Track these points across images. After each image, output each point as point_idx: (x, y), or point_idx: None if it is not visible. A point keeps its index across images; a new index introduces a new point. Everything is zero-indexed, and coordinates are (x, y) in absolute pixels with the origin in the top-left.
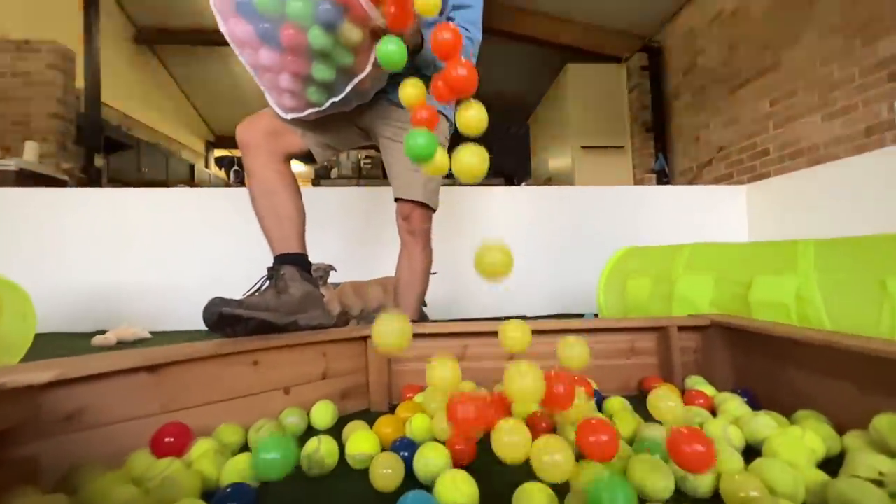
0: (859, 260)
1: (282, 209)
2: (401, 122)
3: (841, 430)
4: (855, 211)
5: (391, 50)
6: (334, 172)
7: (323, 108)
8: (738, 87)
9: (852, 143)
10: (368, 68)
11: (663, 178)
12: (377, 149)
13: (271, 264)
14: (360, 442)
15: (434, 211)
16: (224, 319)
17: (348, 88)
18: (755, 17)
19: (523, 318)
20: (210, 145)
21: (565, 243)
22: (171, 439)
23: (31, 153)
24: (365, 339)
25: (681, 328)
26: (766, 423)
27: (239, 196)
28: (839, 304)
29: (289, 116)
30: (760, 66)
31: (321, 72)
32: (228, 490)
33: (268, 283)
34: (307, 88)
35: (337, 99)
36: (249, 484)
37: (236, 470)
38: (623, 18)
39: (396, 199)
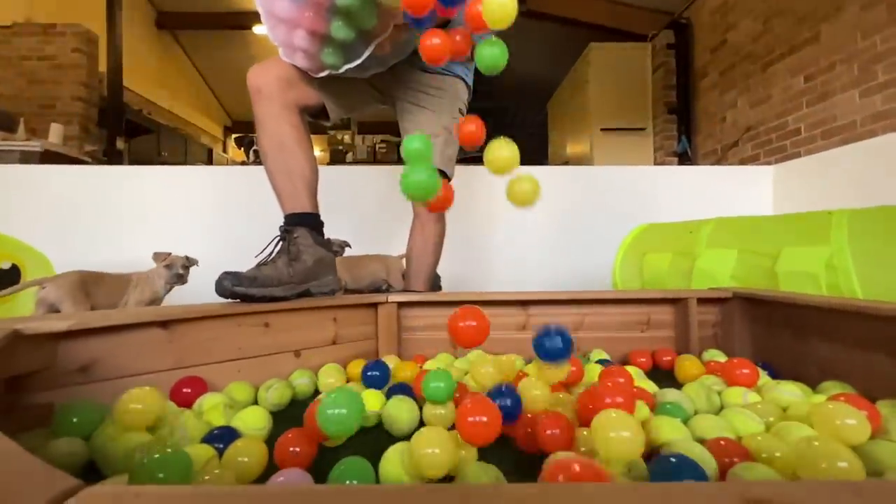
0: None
1: (294, 165)
2: (424, 87)
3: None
4: (890, 193)
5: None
6: (349, 157)
7: (339, 72)
8: (770, 64)
9: (893, 120)
10: (389, 30)
11: (686, 161)
12: (393, 132)
13: (283, 223)
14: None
15: (449, 180)
16: (235, 297)
17: (367, 52)
18: None
19: None
20: (227, 130)
21: (583, 224)
22: (189, 390)
23: (55, 135)
24: (376, 306)
25: (700, 300)
26: (790, 391)
27: (255, 174)
28: (873, 273)
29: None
30: (796, 40)
31: (340, 30)
32: (216, 432)
33: (280, 244)
34: (323, 49)
35: (353, 65)
36: (237, 430)
37: (244, 422)
38: None
39: None
